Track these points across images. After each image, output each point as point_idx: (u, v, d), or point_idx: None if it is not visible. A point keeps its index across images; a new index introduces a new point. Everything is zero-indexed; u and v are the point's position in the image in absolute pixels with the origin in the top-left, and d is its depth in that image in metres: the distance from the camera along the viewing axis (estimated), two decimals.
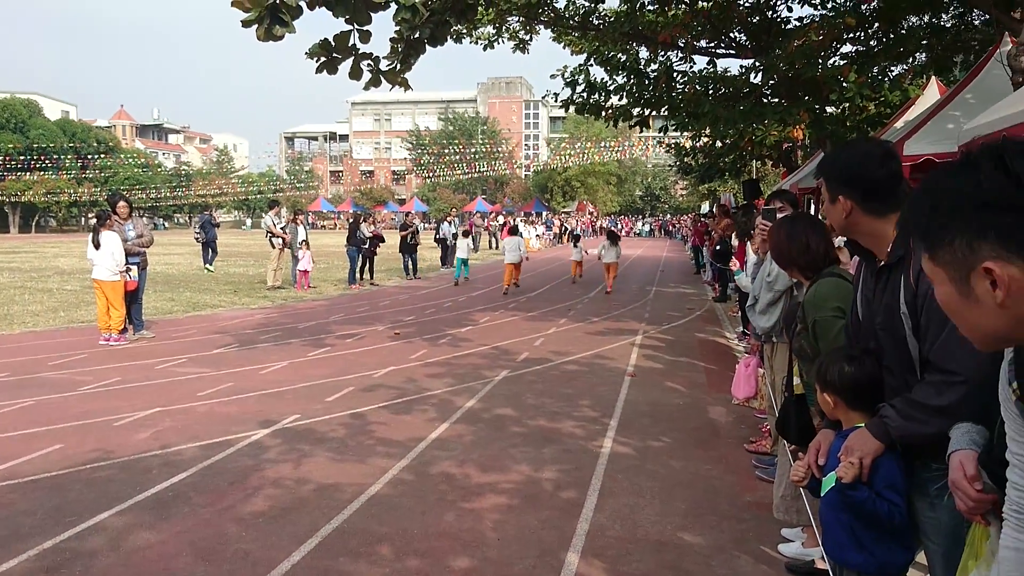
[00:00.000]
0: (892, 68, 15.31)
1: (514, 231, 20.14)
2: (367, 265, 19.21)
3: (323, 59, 5.46)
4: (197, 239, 23.48)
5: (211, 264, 22.55)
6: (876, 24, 13.75)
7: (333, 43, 5.62)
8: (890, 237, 2.33)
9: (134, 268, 10.43)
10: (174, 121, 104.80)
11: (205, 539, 4.22)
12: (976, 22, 13.74)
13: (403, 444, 5.95)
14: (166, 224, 74.78)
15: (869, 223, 2.38)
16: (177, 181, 74.33)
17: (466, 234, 21.27)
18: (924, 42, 13.81)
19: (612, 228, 26.71)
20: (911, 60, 15.10)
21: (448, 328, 11.90)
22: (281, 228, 17.72)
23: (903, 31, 13.74)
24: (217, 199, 75.40)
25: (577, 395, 7.62)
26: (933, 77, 12.95)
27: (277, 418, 6.67)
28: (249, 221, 70.01)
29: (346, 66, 5.48)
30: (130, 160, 69.69)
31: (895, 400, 2.25)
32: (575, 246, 20.80)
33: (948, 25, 13.92)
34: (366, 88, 5.59)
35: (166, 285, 17.74)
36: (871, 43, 14.26)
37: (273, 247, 17.48)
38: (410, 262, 21.01)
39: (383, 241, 19.78)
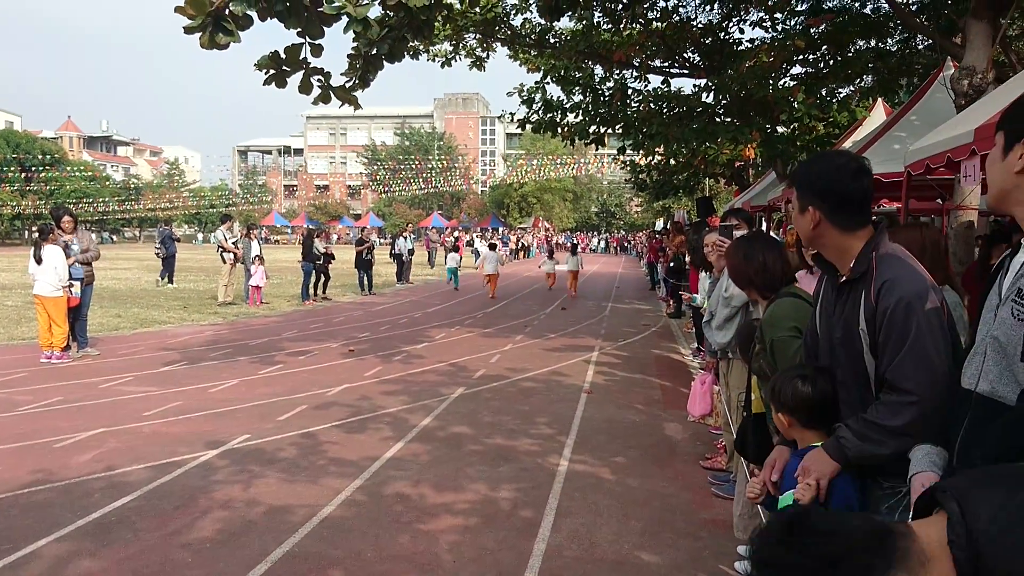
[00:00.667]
0: (840, 90, 15.70)
1: (492, 247, 22.74)
2: (321, 281, 18.97)
3: (272, 71, 5.37)
4: (158, 254, 23.20)
5: (170, 279, 22.19)
6: (825, 47, 14.10)
7: (283, 55, 5.53)
8: (855, 252, 2.33)
9: (76, 284, 10.12)
10: (123, 133, 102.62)
11: (149, 566, 4.06)
12: (920, 47, 14.17)
13: (356, 464, 5.83)
14: (113, 238, 73.03)
15: (836, 236, 2.37)
16: (126, 194, 72.69)
17: (455, 248, 24.53)
18: (871, 65, 14.20)
19: (573, 242, 32.38)
20: (858, 82, 15.50)
21: (403, 345, 11.78)
22: (233, 243, 17.41)
23: (851, 54, 14.11)
24: (167, 213, 73.92)
25: (534, 412, 7.57)
26: (879, 99, 13.31)
27: (226, 438, 6.50)
28: (201, 236, 68.77)
29: (296, 80, 5.39)
30: (77, 172, 67.95)
31: (851, 420, 2.25)
32: (549, 258, 23.68)
33: (893, 49, 14.35)
34: (315, 103, 5.51)
35: (113, 301, 17.27)
36: (820, 65, 14.62)
37: (224, 262, 17.16)
38: (365, 278, 20.80)
39: (333, 259, 19.53)
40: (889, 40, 14.31)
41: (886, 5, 12.52)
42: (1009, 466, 1.28)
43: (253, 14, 5.24)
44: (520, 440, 6.57)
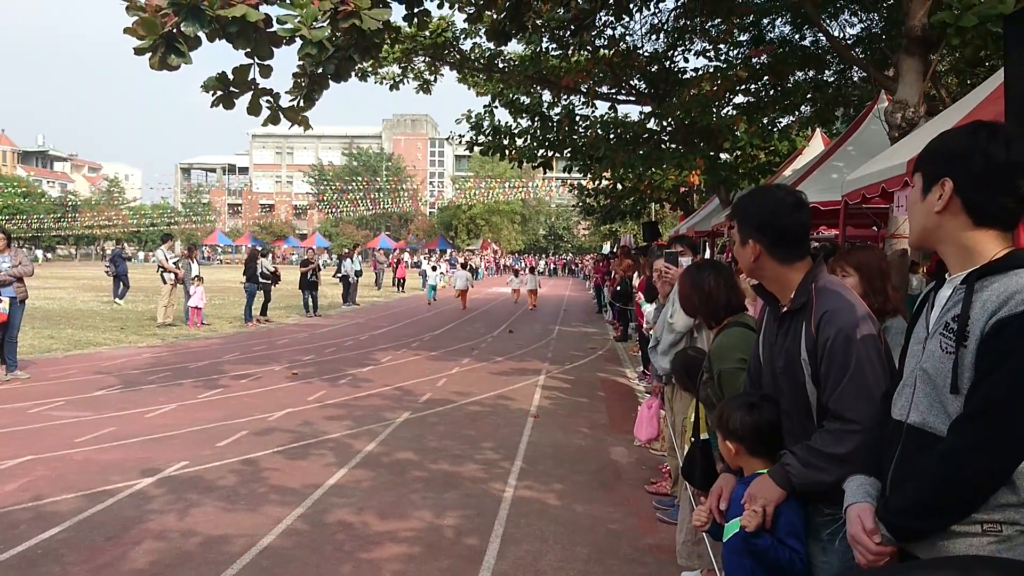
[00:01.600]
0: (780, 119, 16.15)
1: (464, 266, 26.32)
2: (262, 302, 18.60)
3: (220, 93, 5.29)
4: (108, 273, 22.70)
5: (121, 298, 21.60)
6: (765, 77, 14.51)
7: (232, 77, 5.46)
8: (794, 284, 2.37)
9: (5, 299, 9.72)
10: (61, 148, 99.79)
11: None
12: (855, 79, 14.68)
13: (298, 491, 5.70)
14: (48, 256, 70.73)
15: (775, 268, 2.42)
16: (62, 211, 70.63)
17: (435, 268, 28.58)
18: (809, 96, 14.65)
19: (532, 265, 35.15)
20: (798, 112, 15.98)
21: (349, 368, 11.62)
22: (174, 263, 17.01)
23: (790, 85, 14.55)
24: (106, 231, 72.01)
25: (480, 437, 7.52)
26: (818, 129, 13.73)
27: (163, 465, 6.29)
28: (142, 254, 67.12)
29: (244, 100, 5.31)
30: (10, 188, 65.84)
31: (796, 448, 2.28)
32: (515, 276, 26.60)
33: (830, 81, 14.83)
34: (264, 125, 5.44)
35: (46, 321, 16.68)
36: (761, 95, 15.03)
37: (165, 282, 16.74)
38: (310, 299, 20.50)
39: (279, 279, 19.23)
40: (826, 72, 14.80)
41: (824, 38, 12.95)
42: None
43: (202, 34, 5.16)
44: (466, 465, 6.51)
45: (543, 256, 78.85)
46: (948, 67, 13.78)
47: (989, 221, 1.78)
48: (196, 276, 16.78)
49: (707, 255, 17.14)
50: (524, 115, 16.53)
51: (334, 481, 5.98)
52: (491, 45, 14.81)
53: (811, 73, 14.87)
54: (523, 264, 41.10)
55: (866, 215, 9.25)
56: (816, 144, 12.42)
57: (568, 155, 16.46)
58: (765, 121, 15.42)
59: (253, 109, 5.41)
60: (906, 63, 7.70)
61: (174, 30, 4.88)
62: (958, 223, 1.81)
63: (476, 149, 16.85)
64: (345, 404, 8.95)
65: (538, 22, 13.03)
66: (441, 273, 31.70)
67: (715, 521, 2.49)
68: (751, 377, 2.64)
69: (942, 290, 1.89)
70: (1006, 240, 1.80)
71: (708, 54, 15.53)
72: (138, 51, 4.96)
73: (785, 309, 2.39)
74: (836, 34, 13.61)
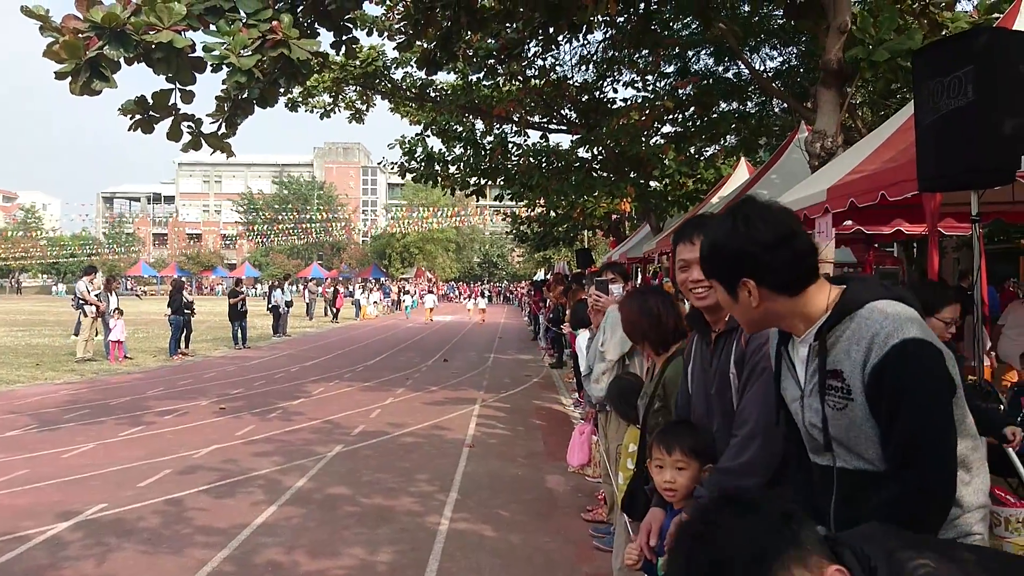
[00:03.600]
0: (707, 148, 16.59)
1: (430, 292, 31.35)
2: (183, 334, 17.96)
3: (138, 117, 5.14)
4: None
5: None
6: (692, 108, 14.91)
7: (151, 101, 5.31)
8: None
9: None
10: None
11: None
12: (777, 110, 15.21)
13: (225, 532, 5.49)
14: None
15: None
16: None
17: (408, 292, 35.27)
18: (733, 125, 15.10)
19: (483, 290, 43.04)
20: (723, 141, 16.45)
21: (279, 401, 11.32)
22: (96, 295, 16.38)
23: (715, 115, 14.98)
24: (22, 263, 69.08)
25: (414, 469, 7.40)
26: (742, 157, 14.14)
27: (80, 508, 5.99)
28: (63, 287, 64.49)
29: (164, 125, 5.17)
30: None
31: (705, 476, 2.30)
32: (470, 298, 30.29)
33: (753, 111, 15.33)
34: (184, 151, 5.30)
35: None
36: (688, 125, 15.43)
37: (86, 315, 16.08)
38: (239, 331, 19.96)
39: (193, 313, 18.55)
40: (749, 103, 15.30)
41: (746, 71, 13.40)
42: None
43: (121, 58, 5.01)
44: (400, 499, 6.38)
45: (479, 283, 78.91)
46: (863, 99, 14.40)
47: (800, 286, 1.81)
48: (116, 309, 16.19)
49: (639, 281, 17.39)
50: (457, 143, 16.60)
51: (263, 520, 5.78)
52: (422, 74, 14.85)
53: (735, 104, 15.35)
54: (471, 292, 48.74)
55: None
56: (741, 172, 12.76)
57: (501, 183, 16.58)
58: (692, 150, 15.83)
59: (173, 134, 5.27)
60: (824, 95, 8.00)
61: (97, 54, 4.73)
62: (780, 303, 1.82)
63: (409, 176, 16.82)
64: (275, 439, 8.70)
65: (468, 52, 13.14)
66: (375, 303, 33.98)
67: (647, 558, 2.47)
68: (678, 410, 2.66)
69: (797, 347, 1.91)
70: (824, 284, 1.84)
71: (636, 85, 15.90)
72: (59, 75, 4.79)
73: (719, 331, 2.42)
74: (757, 67, 14.11)
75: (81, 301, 16.20)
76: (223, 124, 6.28)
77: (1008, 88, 3.36)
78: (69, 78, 4.86)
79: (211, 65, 5.23)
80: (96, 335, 16.36)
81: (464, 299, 41.84)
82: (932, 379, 1.69)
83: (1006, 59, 3.38)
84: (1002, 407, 5.07)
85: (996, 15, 7.74)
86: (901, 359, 1.66)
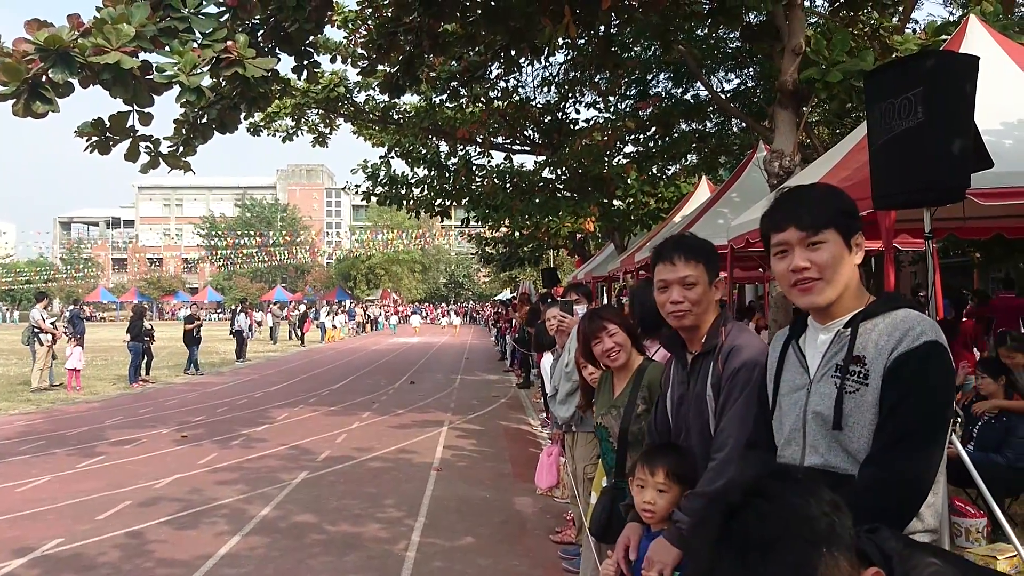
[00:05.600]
0: (668, 167, 16.79)
1: (416, 312, 34.74)
2: (143, 361, 17.61)
3: (95, 139, 5.05)
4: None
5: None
6: (653, 128, 15.10)
7: (108, 123, 5.23)
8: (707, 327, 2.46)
9: None
10: None
11: None
12: (735, 129, 15.47)
13: (187, 564, 5.36)
14: None
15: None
16: None
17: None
18: (694, 145, 15.32)
19: (456, 308, 48.65)
20: (684, 160, 16.67)
21: (242, 427, 11.14)
22: (51, 323, 16.01)
23: (676, 135, 15.19)
24: None
25: (382, 494, 7.31)
26: (703, 177, 14.35)
27: (35, 544, 5.81)
28: (17, 314, 62.90)
29: (122, 147, 5.09)
30: None
31: (683, 500, 2.30)
32: (443, 316, 33.60)
33: (713, 131, 15.58)
34: (143, 171, 5.22)
35: None
36: (650, 145, 15.62)
37: (41, 343, 15.70)
38: (195, 356, 19.58)
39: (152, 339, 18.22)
40: (708, 123, 15.55)
41: (705, 92, 13.62)
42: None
43: (75, 81, 4.93)
44: (367, 525, 6.30)
45: (445, 303, 78.68)
46: (819, 118, 14.71)
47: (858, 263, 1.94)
48: (72, 336, 15.84)
49: (604, 301, 17.48)
50: (421, 165, 16.61)
51: (226, 550, 5.66)
52: (385, 97, 14.86)
53: (695, 124, 15.59)
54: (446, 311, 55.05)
55: (752, 258, 9.66)
56: (702, 191, 12.94)
57: (466, 204, 16.60)
58: (655, 169, 16.01)
59: (131, 155, 5.19)
60: (780, 115, 8.15)
61: (43, 77, 4.65)
62: (857, 273, 1.94)
63: (373, 199, 16.78)
64: (238, 467, 8.55)
65: (431, 74, 13.18)
66: (334, 326, 35.20)
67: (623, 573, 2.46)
68: (650, 435, 2.66)
69: (814, 338, 1.97)
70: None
71: (598, 106, 16.09)
72: (1, 97, 4.69)
73: (696, 353, 2.44)
74: (716, 88, 14.36)
75: (36, 330, 15.81)
76: (181, 146, 6.21)
77: (956, 109, 3.46)
78: (12, 100, 4.77)
79: (162, 84, 5.15)
80: (53, 359, 15.99)
81: (442, 317, 49.25)
82: (946, 384, 1.79)
83: (953, 81, 3.48)
84: (959, 418, 5.17)
85: (944, 36, 7.98)
86: (929, 354, 1.76)
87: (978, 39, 5.78)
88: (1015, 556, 4.09)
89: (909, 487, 1.73)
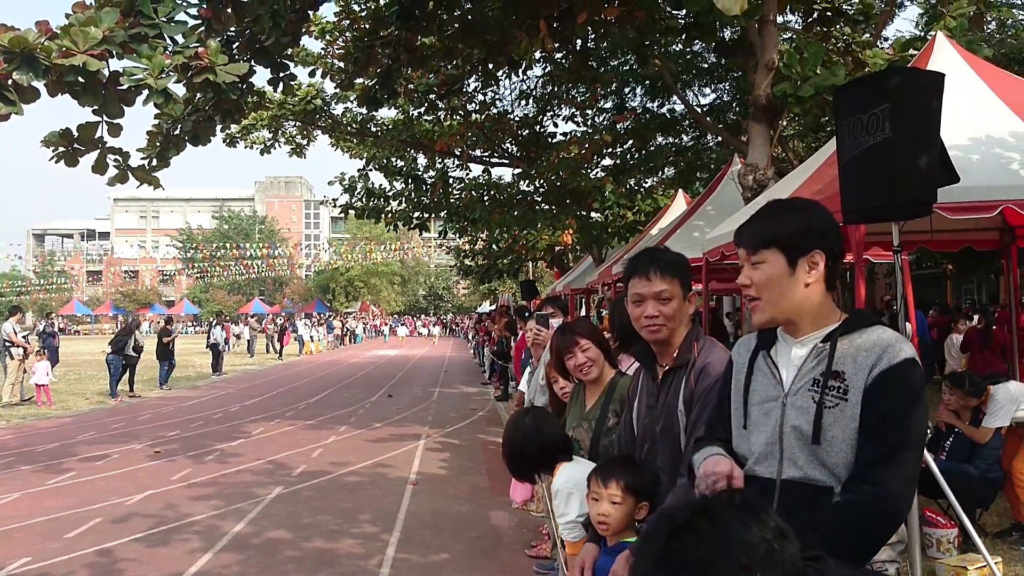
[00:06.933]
0: (646, 181, 16.91)
1: (402, 325, 38.63)
2: (125, 376, 17.40)
3: (62, 149, 5.00)
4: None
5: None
6: (630, 142, 15.21)
7: (76, 134, 5.18)
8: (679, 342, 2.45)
9: None
10: None
11: None
12: (711, 143, 15.62)
13: None
14: None
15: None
16: None
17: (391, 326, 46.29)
18: (670, 158, 15.45)
19: (443, 320, 54.50)
20: (661, 174, 16.80)
21: (217, 442, 11.01)
22: (24, 336, 15.79)
23: (653, 148, 15.31)
24: None
25: (357, 509, 7.25)
26: (680, 190, 14.45)
27: (2, 563, 5.69)
28: None
29: (89, 158, 5.04)
30: None
31: (649, 517, 2.30)
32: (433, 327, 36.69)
33: (689, 145, 15.72)
34: (111, 184, 5.16)
35: None
36: (627, 158, 15.73)
37: (12, 357, 15.47)
38: (165, 370, 19.35)
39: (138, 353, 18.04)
40: (685, 137, 15.69)
41: (681, 106, 13.76)
42: None
43: (41, 87, 4.88)
44: (342, 541, 6.24)
45: (425, 316, 78.44)
46: (794, 131, 14.89)
47: (832, 285, 1.96)
48: (40, 350, 15.61)
49: (582, 312, 17.53)
50: (398, 178, 16.59)
51: (198, 568, 5.59)
52: (363, 110, 14.86)
53: (671, 138, 15.73)
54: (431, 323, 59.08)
55: (727, 270, 9.73)
56: (679, 203, 13.04)
57: (444, 217, 16.61)
58: (632, 182, 16.11)
59: (99, 167, 5.14)
60: (754, 129, 8.25)
61: (8, 80, 4.59)
62: (818, 291, 1.93)
63: (351, 213, 16.74)
64: (212, 482, 8.45)
65: (409, 87, 13.20)
66: (311, 338, 34.95)
67: None
68: (619, 447, 2.66)
69: (787, 351, 1.97)
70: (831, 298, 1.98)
71: (576, 119, 16.18)
72: None
73: (667, 367, 2.44)
74: (692, 102, 14.50)
75: (8, 344, 15.58)
76: (154, 159, 6.15)
77: (922, 125, 3.51)
78: None
79: (133, 90, 5.11)
80: (24, 373, 15.76)
81: (422, 328, 54.93)
82: (923, 401, 1.82)
83: (919, 97, 3.53)
84: (930, 431, 5.22)
85: (913, 51, 8.12)
86: (909, 372, 1.80)
87: (946, 56, 5.89)
88: (985, 566, 4.13)
89: (895, 503, 1.75)
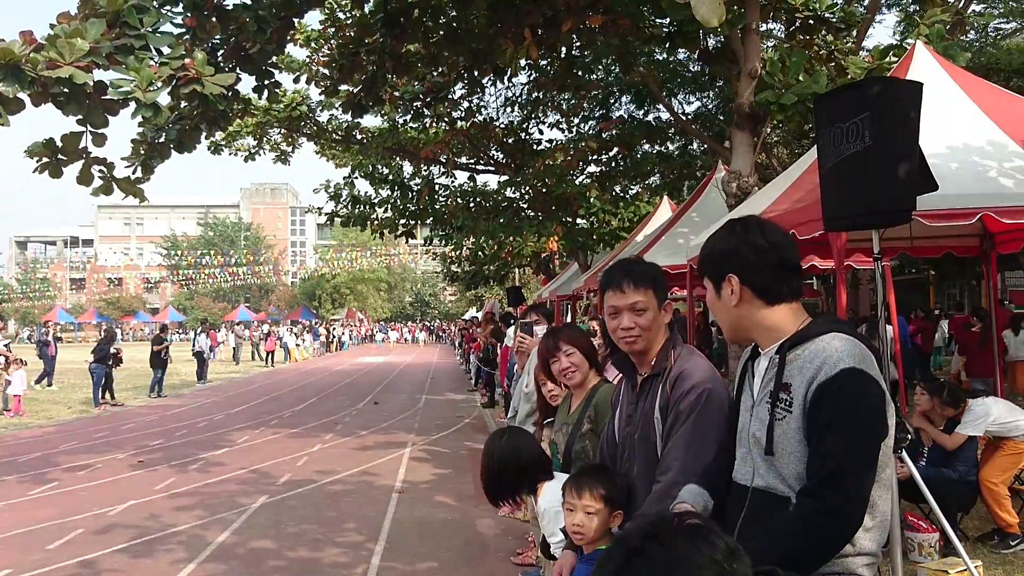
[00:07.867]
0: (631, 188, 16.97)
1: (393, 329, 42.89)
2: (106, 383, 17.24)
3: (46, 160, 4.97)
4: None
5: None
6: (615, 149, 15.27)
7: (60, 144, 5.16)
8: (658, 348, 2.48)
9: None
10: None
11: None
12: (697, 150, 15.71)
13: None
14: None
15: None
16: None
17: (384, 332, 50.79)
18: (656, 166, 15.52)
19: (432, 327, 56.68)
20: (647, 181, 16.86)
21: (201, 451, 10.93)
22: (5, 345, 15.64)
23: (638, 155, 15.37)
24: None
25: (342, 518, 7.22)
26: (665, 197, 14.52)
27: None
28: None
29: (74, 169, 5.01)
30: None
31: (627, 524, 2.31)
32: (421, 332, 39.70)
33: (674, 152, 15.80)
34: (95, 195, 5.14)
35: None
36: (613, 165, 15.78)
37: None
38: (158, 378, 19.23)
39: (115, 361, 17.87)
40: (670, 144, 15.77)
41: (666, 113, 13.83)
42: None
43: (25, 97, 4.85)
44: (327, 550, 6.21)
45: (412, 322, 78.28)
46: (779, 138, 15.00)
47: (779, 298, 1.97)
48: (15, 360, 15.46)
49: (568, 319, 17.55)
50: (384, 185, 16.57)
51: None
52: (348, 117, 14.85)
53: (657, 145, 15.80)
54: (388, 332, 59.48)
55: None
56: (664, 210, 13.08)
57: (430, 224, 16.59)
58: (617, 189, 16.17)
59: (83, 178, 5.12)
60: (738, 137, 8.30)
61: None
62: (755, 308, 1.98)
63: (337, 221, 16.70)
64: (196, 491, 8.39)
65: (395, 94, 13.20)
66: (297, 345, 35.17)
67: None
68: (602, 455, 2.68)
69: (759, 361, 2.01)
70: (801, 312, 2.00)
71: (561, 126, 16.22)
72: None
73: (645, 374, 2.45)
74: (677, 110, 14.57)
75: None
76: (138, 167, 6.13)
77: (901, 133, 3.55)
78: None
79: (118, 100, 5.09)
80: (8, 383, 15.60)
81: (408, 335, 57.77)
82: (868, 410, 1.79)
83: (898, 106, 3.57)
84: (909, 436, 5.26)
85: (893, 59, 8.21)
86: (846, 383, 1.77)
87: (925, 65, 5.96)
88: (966, 570, 4.17)
89: (841, 518, 1.75)
